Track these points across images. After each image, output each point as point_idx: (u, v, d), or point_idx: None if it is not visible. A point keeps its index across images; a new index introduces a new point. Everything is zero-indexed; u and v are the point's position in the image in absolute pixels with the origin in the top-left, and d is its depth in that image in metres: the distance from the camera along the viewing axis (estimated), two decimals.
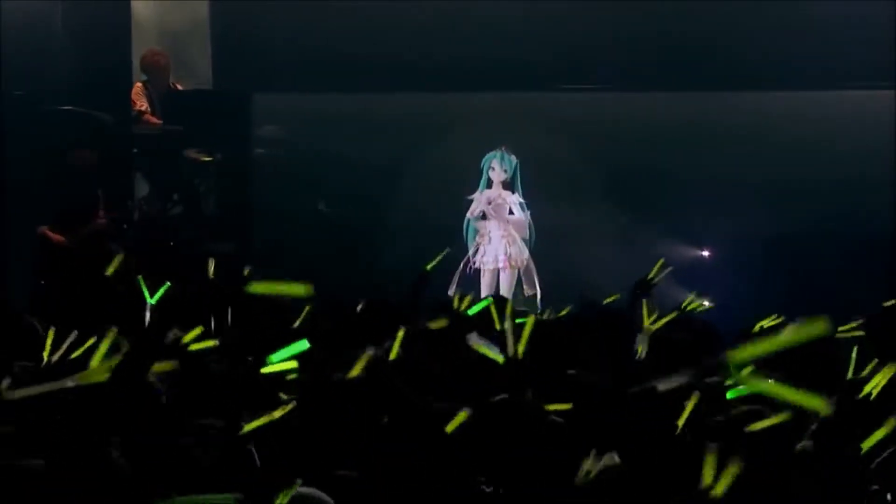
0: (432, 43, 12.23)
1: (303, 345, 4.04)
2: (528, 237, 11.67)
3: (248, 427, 3.99)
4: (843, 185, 11.68)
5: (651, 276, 6.95)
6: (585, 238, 11.93)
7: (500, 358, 4.33)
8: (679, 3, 12.19)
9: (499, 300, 6.30)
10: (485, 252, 11.63)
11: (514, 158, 11.69)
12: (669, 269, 7.18)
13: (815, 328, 2.97)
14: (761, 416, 4.24)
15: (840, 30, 11.86)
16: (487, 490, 3.97)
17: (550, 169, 11.99)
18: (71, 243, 10.05)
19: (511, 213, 11.65)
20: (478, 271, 11.63)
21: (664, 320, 5.86)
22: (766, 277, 11.66)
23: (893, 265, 11.05)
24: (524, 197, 11.64)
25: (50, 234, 10.19)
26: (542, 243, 11.79)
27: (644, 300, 6.60)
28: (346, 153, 12.22)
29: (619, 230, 12.08)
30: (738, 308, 7.81)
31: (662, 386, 4.67)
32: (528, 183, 11.69)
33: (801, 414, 4.21)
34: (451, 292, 11.35)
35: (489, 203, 11.62)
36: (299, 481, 3.37)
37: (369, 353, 4.30)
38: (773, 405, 4.24)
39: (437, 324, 5.43)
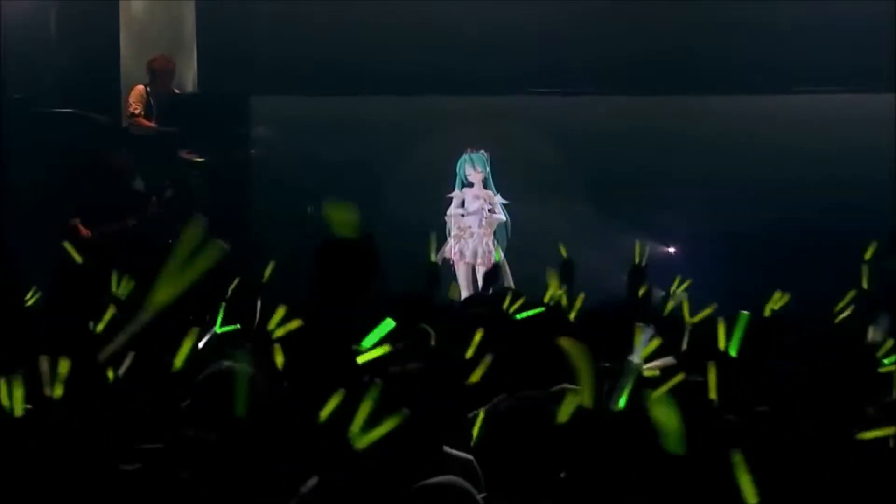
0: (417, 47, 12.47)
1: (389, 324, 4.21)
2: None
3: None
4: (842, 187, 12.01)
5: (638, 261, 7.21)
6: (564, 237, 12.16)
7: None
8: (672, 7, 12.51)
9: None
10: (467, 246, 11.90)
11: (483, 154, 11.99)
12: (647, 247, 7.42)
13: None
14: None
15: (838, 33, 12.16)
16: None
17: (523, 170, 12.31)
18: (97, 239, 10.39)
19: (491, 211, 11.96)
20: (454, 264, 11.91)
21: (704, 314, 6.03)
22: (757, 276, 11.94)
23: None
24: (497, 191, 11.96)
25: (81, 227, 10.51)
26: (517, 241, 12.11)
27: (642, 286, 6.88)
28: (336, 154, 12.45)
29: (599, 231, 12.32)
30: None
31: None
32: (500, 184, 12.02)
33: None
34: None
35: (485, 200, 11.92)
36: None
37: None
38: None
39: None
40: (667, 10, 12.45)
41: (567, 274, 7.38)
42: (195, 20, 12.58)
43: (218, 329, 6.28)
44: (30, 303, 7.37)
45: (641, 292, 7.34)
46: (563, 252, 7.70)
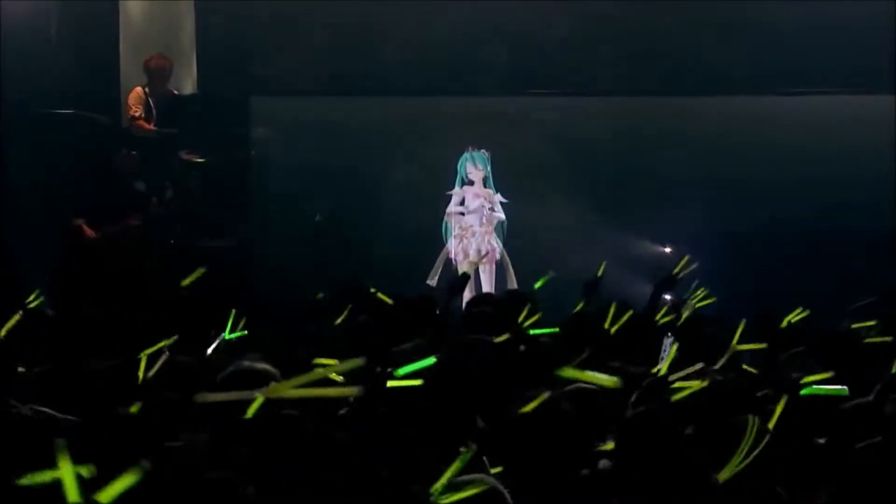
0: (415, 49, 12.50)
1: (430, 360, 4.23)
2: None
3: None
4: (842, 187, 12.04)
5: (676, 272, 7.25)
6: (563, 237, 12.23)
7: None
8: (672, 9, 12.54)
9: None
10: (470, 245, 11.95)
11: (484, 153, 12.05)
12: (694, 265, 7.44)
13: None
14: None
15: (838, 34, 12.18)
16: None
17: (521, 170, 12.36)
18: (102, 239, 10.50)
19: (492, 209, 12.02)
20: (456, 263, 11.96)
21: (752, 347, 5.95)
22: (758, 276, 11.99)
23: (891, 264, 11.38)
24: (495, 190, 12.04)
25: (85, 228, 10.58)
26: (518, 241, 12.15)
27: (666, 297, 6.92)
28: (336, 154, 12.49)
29: (598, 231, 12.38)
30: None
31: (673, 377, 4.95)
32: (499, 183, 12.08)
33: None
34: (431, 282, 11.74)
35: (486, 199, 11.98)
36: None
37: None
38: None
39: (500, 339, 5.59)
40: (668, 12, 12.48)
41: (594, 290, 7.39)
42: (195, 21, 12.57)
43: (227, 336, 6.33)
44: (33, 304, 7.38)
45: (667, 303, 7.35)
46: (600, 272, 7.68)
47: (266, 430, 3.92)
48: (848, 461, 4.21)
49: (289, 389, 2.84)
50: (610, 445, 4.33)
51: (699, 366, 4.76)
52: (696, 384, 4.50)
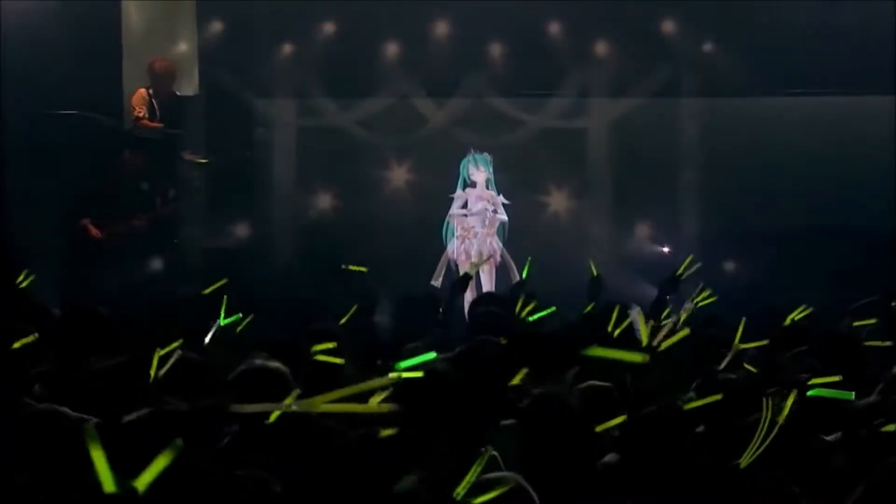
0: (415, 50, 12.53)
1: (431, 355, 4.25)
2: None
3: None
4: (842, 187, 12.10)
5: (679, 272, 7.27)
6: (562, 238, 12.25)
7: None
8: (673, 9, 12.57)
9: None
10: (472, 245, 11.98)
11: (486, 156, 12.09)
12: (698, 265, 7.46)
13: None
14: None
15: (839, 35, 12.16)
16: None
17: (524, 170, 12.39)
18: (106, 238, 10.54)
19: (494, 211, 12.05)
20: (458, 264, 11.99)
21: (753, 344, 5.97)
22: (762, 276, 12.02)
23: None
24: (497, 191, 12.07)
25: (90, 227, 10.64)
26: (518, 241, 12.18)
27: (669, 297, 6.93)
28: (338, 155, 12.53)
29: (597, 232, 12.42)
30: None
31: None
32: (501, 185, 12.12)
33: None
34: (435, 283, 11.77)
35: (489, 201, 12.01)
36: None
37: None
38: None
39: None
40: (669, 13, 12.50)
41: (596, 289, 7.44)
42: (195, 21, 12.57)
43: (222, 322, 6.35)
44: (23, 284, 7.41)
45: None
46: (593, 269, 7.73)
47: (282, 431, 3.94)
48: (855, 459, 4.24)
49: (322, 403, 2.84)
50: (615, 421, 4.34)
51: (674, 318, 4.75)
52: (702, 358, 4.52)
